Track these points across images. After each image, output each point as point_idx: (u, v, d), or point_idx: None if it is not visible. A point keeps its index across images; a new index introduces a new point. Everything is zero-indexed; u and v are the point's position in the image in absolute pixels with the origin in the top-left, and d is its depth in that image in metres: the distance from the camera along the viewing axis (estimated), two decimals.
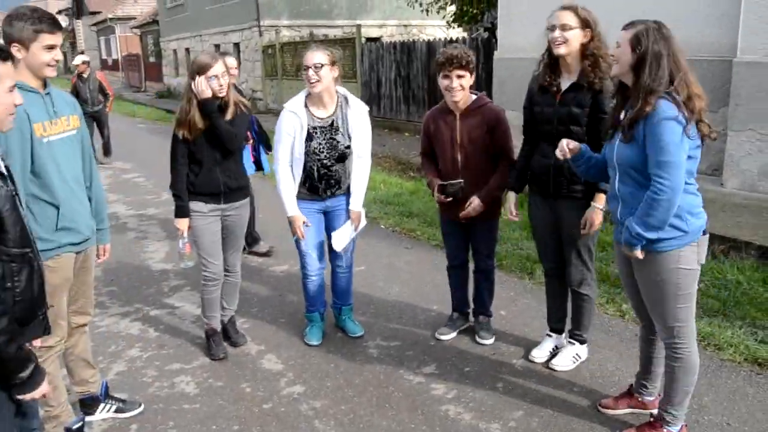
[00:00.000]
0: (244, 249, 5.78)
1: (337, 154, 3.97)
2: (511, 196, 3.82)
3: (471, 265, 4.27)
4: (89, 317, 3.36)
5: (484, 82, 11.02)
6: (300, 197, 4.03)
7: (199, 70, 3.72)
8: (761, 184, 6.68)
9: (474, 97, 3.89)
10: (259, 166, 5.90)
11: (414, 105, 13.09)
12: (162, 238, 6.89)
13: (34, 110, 2.82)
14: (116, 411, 3.52)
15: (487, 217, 3.98)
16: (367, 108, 4.11)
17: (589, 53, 3.36)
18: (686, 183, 2.76)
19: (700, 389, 3.53)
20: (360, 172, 4.08)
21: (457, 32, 15.15)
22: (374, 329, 4.47)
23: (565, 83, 3.47)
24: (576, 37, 3.35)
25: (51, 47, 2.84)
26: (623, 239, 2.87)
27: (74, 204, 3.02)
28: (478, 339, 4.21)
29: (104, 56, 43.97)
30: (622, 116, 2.89)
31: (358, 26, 15.09)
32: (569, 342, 3.90)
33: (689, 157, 2.74)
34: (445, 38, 12.19)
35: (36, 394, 2.15)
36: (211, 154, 3.86)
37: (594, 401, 3.47)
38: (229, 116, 3.88)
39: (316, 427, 3.37)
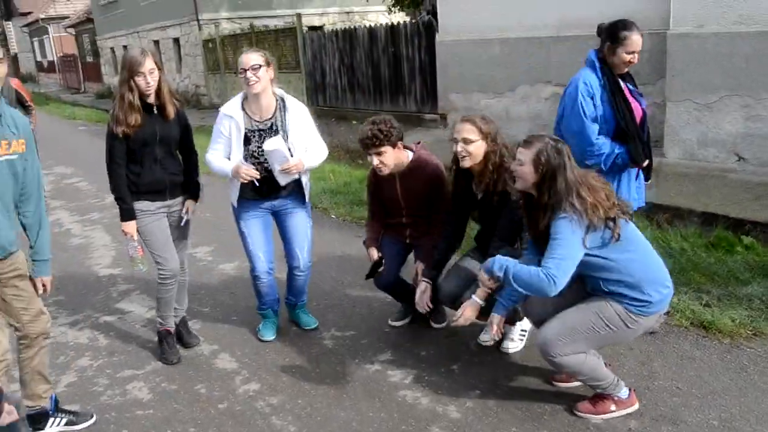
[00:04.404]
0: None
1: None
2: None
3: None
4: (45, 325, 3.24)
5: (428, 66, 11.04)
6: (244, 197, 3.94)
7: (130, 68, 3.61)
8: (700, 152, 6.86)
9: (410, 156, 3.89)
10: None
11: (359, 93, 13.02)
12: (107, 243, 6.72)
13: None
14: (67, 424, 3.42)
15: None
16: (305, 108, 4.02)
17: (490, 166, 3.45)
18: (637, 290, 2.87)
19: (650, 355, 3.63)
20: (314, 151, 3.96)
21: (399, 16, 15.14)
22: (328, 320, 4.45)
23: (477, 189, 3.61)
24: (479, 148, 3.43)
25: None
26: (491, 264, 2.91)
27: None
28: (432, 323, 4.22)
29: (39, 58, 42.61)
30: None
31: (299, 15, 14.91)
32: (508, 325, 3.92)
33: (595, 256, 2.81)
34: (387, 24, 12.12)
35: None
36: (151, 152, 3.78)
37: (547, 376, 3.52)
38: (172, 115, 3.80)
39: (273, 423, 3.34)
